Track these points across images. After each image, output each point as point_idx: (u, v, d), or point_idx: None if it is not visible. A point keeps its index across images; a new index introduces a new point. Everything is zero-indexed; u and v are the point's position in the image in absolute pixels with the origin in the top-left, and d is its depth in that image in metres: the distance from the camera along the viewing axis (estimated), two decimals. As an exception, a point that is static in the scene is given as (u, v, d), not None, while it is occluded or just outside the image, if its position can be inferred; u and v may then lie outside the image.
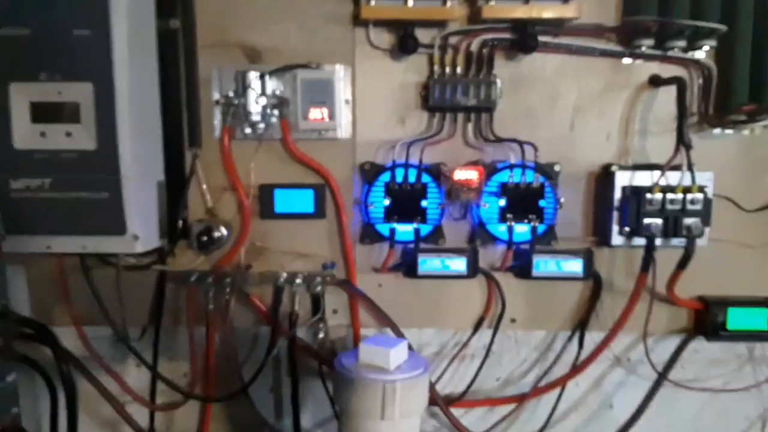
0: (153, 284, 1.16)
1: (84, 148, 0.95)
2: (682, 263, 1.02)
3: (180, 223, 1.10)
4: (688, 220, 1.00)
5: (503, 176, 1.07)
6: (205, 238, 1.08)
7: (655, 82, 1.06)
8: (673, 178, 1.02)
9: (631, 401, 1.17)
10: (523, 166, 1.06)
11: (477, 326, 1.16)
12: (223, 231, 1.10)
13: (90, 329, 1.18)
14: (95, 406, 1.23)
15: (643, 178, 1.03)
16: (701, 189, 1.01)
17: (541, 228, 1.08)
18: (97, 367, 1.19)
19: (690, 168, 1.00)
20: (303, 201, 1.11)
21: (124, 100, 0.94)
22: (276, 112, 1.07)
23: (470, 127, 1.09)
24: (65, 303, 1.16)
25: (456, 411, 1.16)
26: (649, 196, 1.00)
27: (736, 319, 1.09)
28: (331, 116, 1.07)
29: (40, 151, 0.96)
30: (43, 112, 0.95)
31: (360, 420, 0.96)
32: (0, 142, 0.96)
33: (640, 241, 1.04)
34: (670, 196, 1.00)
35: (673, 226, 1.01)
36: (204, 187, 1.11)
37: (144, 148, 1.01)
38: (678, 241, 1.03)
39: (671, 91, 1.04)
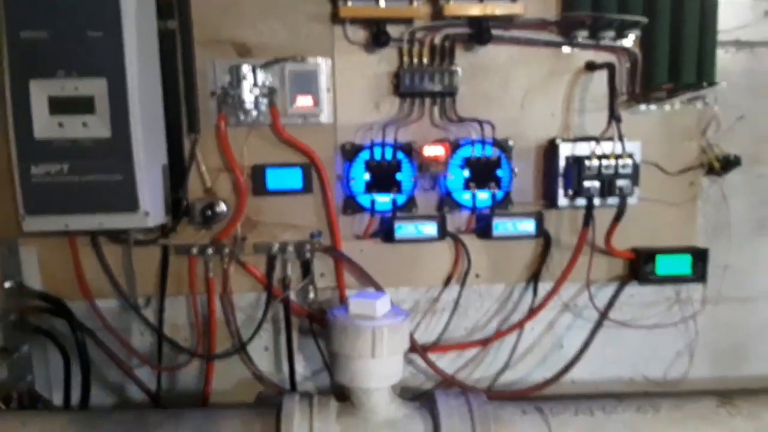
0: (157, 258, 1.28)
1: (99, 136, 1.08)
2: (617, 217, 1.22)
3: (182, 202, 1.24)
4: (620, 182, 1.20)
5: (466, 151, 1.24)
6: (209, 213, 1.22)
7: (591, 67, 1.25)
8: (607, 147, 1.21)
9: (578, 340, 1.37)
10: (483, 142, 1.23)
11: (446, 282, 1.33)
12: (223, 206, 1.24)
13: (97, 302, 1.30)
14: (105, 372, 1.35)
15: (582, 149, 1.22)
16: (630, 155, 1.20)
17: (499, 194, 1.25)
18: (107, 336, 1.32)
19: (620, 138, 1.19)
20: (292, 178, 1.26)
21: (134, 92, 1.07)
22: (266, 100, 1.21)
23: (436, 109, 1.26)
24: (77, 278, 1.27)
25: (430, 357, 1.34)
26: (587, 163, 1.19)
27: (664, 265, 1.29)
28: (316, 103, 1.22)
29: (58, 139, 1.08)
30: (61, 105, 1.07)
31: (353, 360, 1.12)
32: (21, 133, 1.07)
33: (581, 201, 1.23)
34: (604, 162, 1.19)
35: (608, 187, 1.20)
36: (203, 168, 1.25)
37: (151, 135, 1.14)
38: (612, 200, 1.22)
39: (604, 74, 1.23)
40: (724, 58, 1.29)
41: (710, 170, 1.30)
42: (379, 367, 1.13)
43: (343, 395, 1.21)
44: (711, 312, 1.37)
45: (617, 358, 1.39)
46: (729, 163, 1.28)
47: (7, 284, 1.24)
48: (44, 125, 1.07)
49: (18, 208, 1.10)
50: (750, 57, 1.32)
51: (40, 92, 1.06)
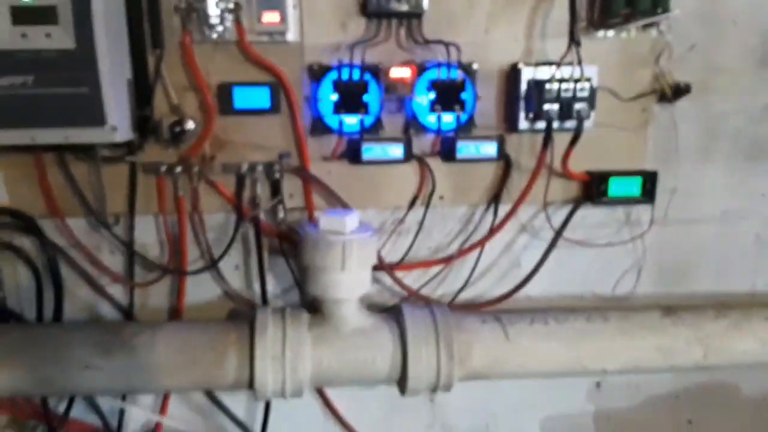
0: (125, 177, 1.29)
1: (63, 47, 1.06)
2: (574, 140, 1.27)
3: (148, 119, 1.23)
4: (578, 105, 1.25)
5: (432, 74, 1.27)
6: (177, 129, 1.22)
7: (553, -9, 1.28)
8: (566, 71, 1.26)
9: (534, 259, 1.43)
10: (448, 65, 1.26)
11: (411, 204, 1.38)
12: (192, 124, 1.25)
13: (66, 220, 1.31)
14: (76, 291, 1.37)
15: (543, 73, 1.26)
16: (588, 79, 1.25)
17: (463, 117, 1.29)
18: (77, 255, 1.33)
19: (579, 62, 1.24)
20: (260, 98, 1.27)
21: (98, 2, 1.05)
22: (232, 16, 1.21)
23: (402, 31, 1.27)
24: (44, 197, 1.27)
25: (397, 275, 1.40)
26: (548, 86, 1.24)
27: (616, 187, 1.37)
28: (282, 19, 1.21)
29: (21, 51, 1.06)
30: (23, 15, 1.05)
31: (324, 273, 1.18)
32: None
33: (541, 125, 1.28)
34: (564, 85, 1.24)
35: (566, 110, 1.25)
36: (168, 86, 1.24)
37: (115, 48, 1.13)
38: (570, 125, 1.27)
39: (565, 0, 1.27)
40: (679, -12, 1.34)
41: (662, 97, 1.36)
42: (349, 279, 1.19)
43: (313, 310, 1.27)
44: (658, 233, 1.46)
45: (570, 275, 1.48)
46: (679, 91, 1.35)
47: (-28, 201, 1.24)
48: (7, 36, 1.05)
49: (-20, 122, 1.09)
50: (705, -12, 1.37)
51: (2, 1, 1.03)
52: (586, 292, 1.50)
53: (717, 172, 1.46)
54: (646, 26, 1.31)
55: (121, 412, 1.44)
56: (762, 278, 1.54)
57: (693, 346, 1.28)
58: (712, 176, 1.46)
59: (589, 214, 1.44)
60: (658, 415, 1.63)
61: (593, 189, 1.37)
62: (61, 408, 1.40)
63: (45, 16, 1.04)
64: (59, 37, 1.06)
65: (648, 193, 1.38)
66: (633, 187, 1.38)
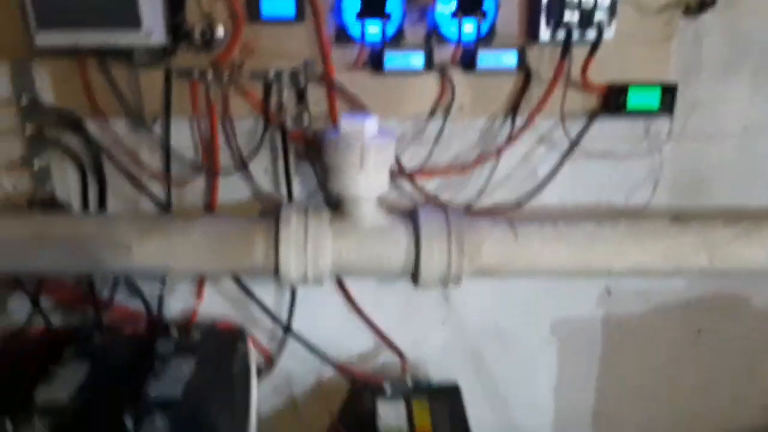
0: (161, 81, 1.37)
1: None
2: (593, 49, 1.29)
3: (181, 25, 1.30)
4: (599, 14, 1.26)
5: (455, -21, 1.28)
6: (208, 35, 1.29)
7: None
8: (591, -22, 1.26)
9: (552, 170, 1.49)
10: (471, -28, 1.27)
11: (431, 114, 1.43)
12: (222, 31, 1.31)
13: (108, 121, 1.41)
14: (118, 188, 1.48)
15: (566, -18, 1.26)
16: (610, -11, 1.25)
17: (484, 27, 1.31)
18: (118, 153, 1.44)
19: (602, -32, 1.24)
20: (286, 6, 1.30)
21: None
22: None
23: (426, -62, 1.28)
24: (87, 97, 1.37)
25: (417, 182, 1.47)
26: (569, -4, 1.25)
27: (635, 98, 1.38)
28: (307, -75, 1.24)
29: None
30: None
31: (344, 173, 1.26)
32: None
33: (562, 36, 1.29)
34: (585, -6, 1.25)
35: (587, 19, 1.26)
36: (200, -8, 1.30)
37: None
38: (591, 36, 1.29)
39: None
40: None
41: (687, 10, 1.35)
42: (367, 178, 1.26)
43: (335, 209, 1.36)
44: (676, 146, 1.48)
45: (587, 187, 1.52)
46: (704, 4, 1.33)
47: (23, 99, 1.34)
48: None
49: (29, 24, 1.17)
50: None
51: None
52: (602, 203, 1.54)
53: (741, 87, 1.45)
54: (673, -67, 1.29)
55: (161, 299, 1.58)
56: (781, 196, 1.56)
57: (699, 252, 1.33)
58: (735, 91, 1.46)
59: (608, 126, 1.46)
60: (667, 323, 1.70)
61: (612, 100, 1.39)
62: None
63: None
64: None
65: (667, 106, 1.39)
66: (652, 99, 1.39)
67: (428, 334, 1.69)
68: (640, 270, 1.35)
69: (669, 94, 1.39)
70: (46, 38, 1.18)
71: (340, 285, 1.61)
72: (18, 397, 1.24)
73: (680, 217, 1.38)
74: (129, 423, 1.17)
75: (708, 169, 1.53)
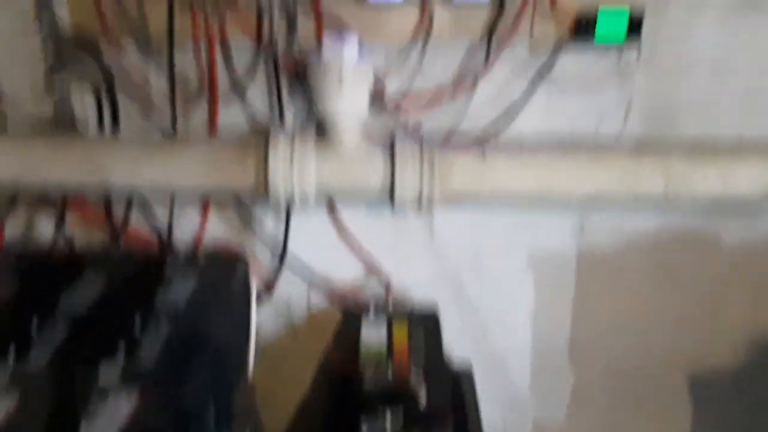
0: (164, 9, 1.49)
1: None
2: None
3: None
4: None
5: None
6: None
7: None
8: None
9: (527, 98, 1.58)
10: None
11: (413, 42, 1.53)
12: (217, -41, 1.44)
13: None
14: (128, 111, 1.63)
15: None
16: None
17: (463, -44, 1.41)
18: (130, 78, 1.59)
19: None
20: (277, -62, 1.43)
21: None
22: None
23: None
24: (99, 22, 1.51)
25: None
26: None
27: (603, 26, 1.45)
28: None
29: None
30: None
31: (325, 94, 1.37)
32: None
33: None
34: None
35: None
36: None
37: None
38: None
39: None
40: None
41: (657, -61, 1.42)
42: (346, 99, 1.38)
43: (322, 135, 1.47)
44: (646, 78, 1.55)
45: (559, 116, 1.60)
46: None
47: (44, 29, 1.49)
48: None
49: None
50: None
51: None
52: (575, 133, 1.63)
53: (708, 21, 1.51)
54: None
55: (170, 224, 1.72)
56: (749, 128, 1.61)
57: (656, 177, 1.41)
58: (703, 25, 1.52)
59: (581, 57, 1.54)
60: (638, 258, 1.78)
61: (581, 29, 1.46)
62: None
63: None
64: None
65: (635, 31, 1.46)
66: (620, 26, 1.45)
67: (412, 263, 1.81)
68: (599, 196, 1.44)
69: (636, 21, 1.45)
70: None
71: (332, 215, 1.73)
72: (43, 304, 1.41)
73: (641, 145, 1.46)
74: (137, 325, 1.33)
75: (679, 101, 1.60)
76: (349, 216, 1.75)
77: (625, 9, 1.44)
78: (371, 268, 1.80)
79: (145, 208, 1.71)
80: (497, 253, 1.79)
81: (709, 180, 1.42)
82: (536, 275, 1.83)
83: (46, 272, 1.62)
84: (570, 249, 1.79)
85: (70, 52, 1.54)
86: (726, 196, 1.44)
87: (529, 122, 1.60)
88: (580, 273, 1.81)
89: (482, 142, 1.57)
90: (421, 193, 1.41)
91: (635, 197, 1.45)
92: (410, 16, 1.51)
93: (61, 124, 1.62)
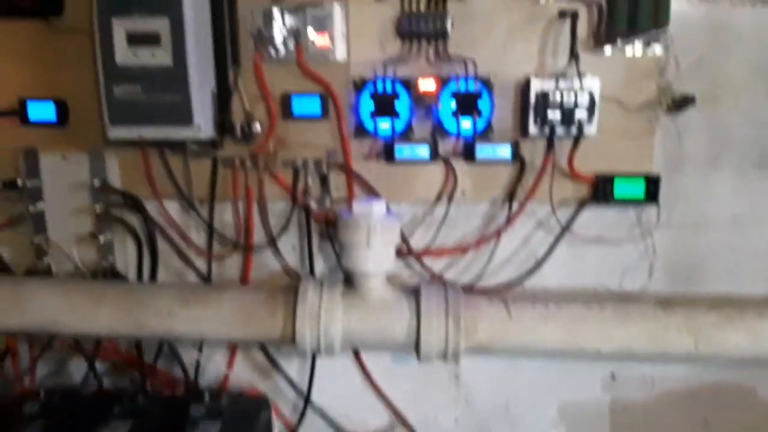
0: (209, 168, 1.62)
1: (164, 64, 1.40)
2: (575, 143, 1.46)
3: (227, 122, 1.56)
4: (579, 113, 1.44)
5: (454, 85, 1.50)
6: (247, 130, 1.55)
7: (562, 14, 1.46)
8: (572, 84, 1.45)
9: (549, 253, 1.62)
10: (466, 78, 1.49)
11: (438, 198, 1.60)
12: (258, 127, 1.57)
13: (164, 202, 1.66)
14: (167, 260, 1.71)
15: (549, 85, 1.46)
16: (588, 90, 1.43)
17: (481, 123, 1.51)
18: (171, 231, 1.68)
19: (579, 75, 1.43)
20: (313, 105, 1.55)
21: (190, 30, 1.38)
22: (293, 40, 1.52)
23: (431, 50, 1.51)
24: (147, 181, 1.63)
25: (425, 261, 1.63)
26: (551, 96, 1.44)
27: (621, 188, 1.52)
28: (332, 42, 1.51)
29: (133, 66, 1.41)
30: (135, 39, 1.40)
31: (353, 250, 1.42)
32: (106, 60, 1.40)
33: (547, 130, 1.47)
34: (565, 95, 1.43)
35: (568, 117, 1.44)
36: (243, 95, 1.56)
37: (203, 65, 1.45)
38: (574, 130, 1.46)
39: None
40: (687, 8, 1.49)
41: (668, 108, 1.51)
42: (373, 255, 1.42)
43: (348, 283, 1.52)
44: (667, 234, 1.58)
45: (583, 270, 1.63)
46: (685, 102, 1.48)
47: (95, 182, 1.62)
48: (123, 54, 1.40)
49: (104, 119, 1.46)
50: (712, 7, 1.50)
51: (120, 28, 1.38)
52: (599, 287, 1.64)
53: (726, 178, 1.56)
54: (649, 42, 1.47)
55: (198, 364, 1.75)
56: (775, 283, 1.61)
57: (683, 335, 1.39)
58: (721, 182, 1.57)
59: (602, 213, 1.59)
60: (673, 411, 1.71)
61: (600, 189, 1.53)
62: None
63: (151, 39, 1.39)
64: (161, 56, 1.40)
65: (652, 196, 1.52)
66: (637, 189, 1.52)
67: (439, 412, 1.78)
68: (627, 352, 1.42)
69: (653, 184, 1.51)
70: (117, 132, 1.46)
71: (358, 360, 1.74)
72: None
73: (666, 301, 1.45)
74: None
75: (702, 257, 1.61)
76: (374, 361, 1.74)
77: (641, 178, 1.50)
78: (396, 417, 1.76)
79: (174, 349, 1.73)
80: (527, 402, 1.75)
81: (739, 338, 1.40)
82: (568, 427, 1.76)
83: (75, 411, 1.65)
84: (602, 399, 1.73)
85: (117, 204, 1.65)
86: (757, 355, 1.40)
87: (553, 275, 1.63)
88: (613, 426, 1.74)
89: (506, 295, 1.58)
90: (446, 345, 1.41)
91: (664, 354, 1.42)
92: (435, 173, 1.59)
93: (103, 272, 1.70)
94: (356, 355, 1.75)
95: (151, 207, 1.66)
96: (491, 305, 1.47)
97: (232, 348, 1.76)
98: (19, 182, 1.63)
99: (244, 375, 1.78)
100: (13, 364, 1.78)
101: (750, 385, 1.68)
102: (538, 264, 1.60)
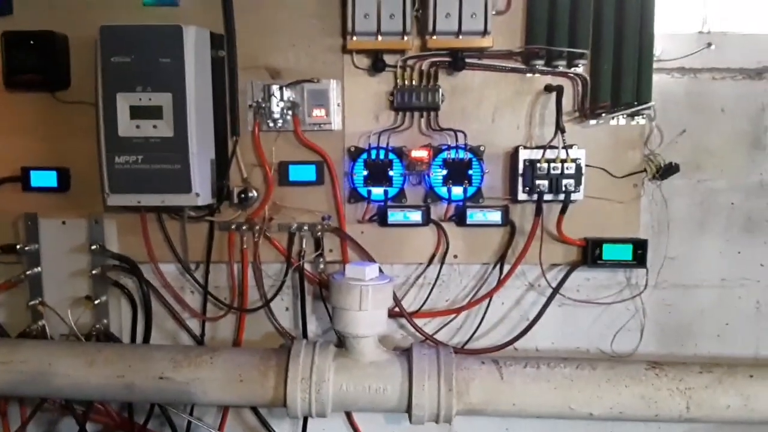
0: (205, 232, 1.65)
1: (165, 135, 1.44)
2: (562, 210, 1.50)
3: (225, 188, 1.60)
4: (566, 181, 1.49)
5: (445, 154, 1.55)
6: (243, 196, 1.58)
7: (548, 88, 1.53)
8: (559, 154, 1.50)
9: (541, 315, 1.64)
10: (457, 147, 1.54)
11: (430, 261, 1.64)
12: (254, 192, 1.61)
13: (160, 265, 1.68)
14: (162, 321, 1.72)
15: (537, 154, 1.51)
16: (574, 160, 1.49)
17: (471, 190, 1.55)
18: (166, 292, 1.70)
19: (564, 145, 1.48)
20: (309, 173, 1.60)
21: (191, 104, 1.43)
22: (290, 112, 1.57)
23: (423, 121, 1.58)
24: (145, 245, 1.66)
25: (417, 322, 1.65)
26: (538, 165, 1.49)
27: (609, 252, 1.56)
28: (327, 114, 1.57)
29: (135, 137, 1.45)
30: (138, 112, 1.45)
31: (346, 312, 1.44)
32: (109, 132, 1.45)
33: (535, 197, 1.52)
34: (552, 165, 1.48)
35: (555, 185, 1.49)
36: (241, 163, 1.61)
37: (203, 136, 1.50)
38: (561, 197, 1.51)
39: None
40: (670, 82, 1.57)
41: (653, 176, 1.56)
42: (366, 318, 1.44)
43: (340, 345, 1.54)
44: (657, 296, 1.63)
45: (575, 331, 1.66)
46: (669, 170, 1.54)
47: (93, 247, 1.64)
48: (126, 127, 1.45)
49: (104, 188, 1.49)
50: (693, 81, 1.58)
51: (123, 102, 1.44)
52: (591, 348, 1.66)
53: (714, 242, 1.62)
54: (633, 114, 1.54)
55: (188, 426, 1.74)
56: (764, 344, 1.64)
57: (675, 397, 1.41)
58: (709, 246, 1.62)
59: (592, 276, 1.63)
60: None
61: (590, 253, 1.57)
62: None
63: (153, 113, 1.44)
64: (162, 128, 1.45)
65: (640, 259, 1.56)
66: (625, 252, 1.56)
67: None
68: (619, 414, 1.43)
69: (640, 248, 1.55)
70: (116, 200, 1.49)
71: (350, 421, 1.74)
72: None
73: (657, 362, 1.47)
74: None
75: (691, 318, 1.65)
76: (366, 421, 1.74)
77: (628, 246, 1.55)
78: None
79: (165, 411, 1.73)
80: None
81: (731, 402, 1.41)
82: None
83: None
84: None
85: (113, 267, 1.67)
86: (749, 417, 1.42)
87: (545, 337, 1.66)
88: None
89: (498, 356, 1.60)
90: (438, 407, 1.42)
91: (656, 416, 1.44)
92: (428, 237, 1.63)
93: (97, 334, 1.70)
94: (348, 416, 1.75)
95: (146, 270, 1.68)
96: (483, 366, 1.48)
97: (224, 409, 1.75)
98: (18, 246, 1.64)
99: (235, 435, 1.77)
100: (4, 426, 1.76)
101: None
102: (530, 325, 1.62)
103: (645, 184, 1.59)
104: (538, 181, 1.49)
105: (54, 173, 1.62)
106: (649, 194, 1.60)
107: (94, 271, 1.64)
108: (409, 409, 1.43)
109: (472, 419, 1.67)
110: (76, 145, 1.62)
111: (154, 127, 1.45)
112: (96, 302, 1.67)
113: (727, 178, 1.60)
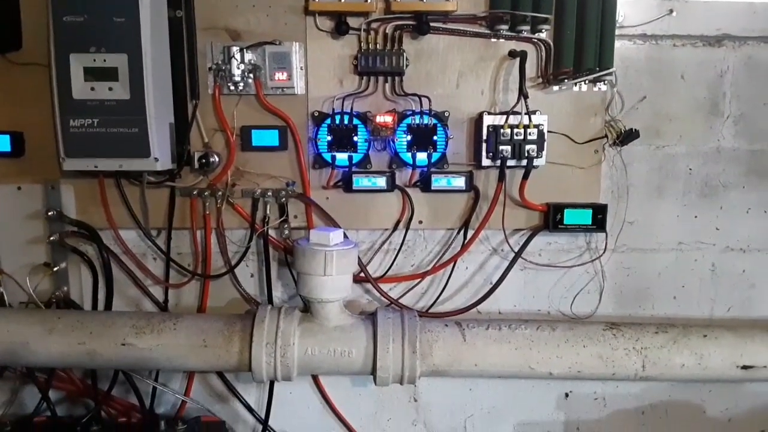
0: (166, 198, 1.62)
1: (121, 98, 1.40)
2: (525, 176, 1.52)
3: (185, 153, 1.57)
4: (528, 147, 1.50)
5: (409, 120, 1.55)
6: (203, 161, 1.55)
7: (512, 54, 1.53)
8: (522, 119, 1.51)
9: (504, 278, 1.67)
10: (422, 113, 1.53)
11: (395, 227, 1.64)
12: (216, 157, 1.58)
13: (120, 231, 1.65)
14: (124, 289, 1.70)
15: (500, 120, 1.52)
16: (537, 126, 1.50)
17: (435, 156, 1.55)
18: (127, 259, 1.68)
19: (527, 111, 1.49)
20: (272, 138, 1.58)
21: (148, 65, 1.39)
22: (251, 75, 1.54)
23: (387, 86, 1.56)
24: (104, 211, 1.62)
25: (383, 287, 1.66)
26: (502, 131, 1.49)
27: (570, 217, 1.58)
28: (290, 78, 1.54)
29: (90, 100, 1.41)
30: (92, 74, 1.40)
31: (311, 277, 1.45)
32: (63, 94, 1.40)
33: (498, 162, 1.53)
34: (515, 130, 1.49)
35: (518, 151, 1.50)
36: (202, 128, 1.58)
37: (160, 99, 1.46)
38: (524, 162, 1.52)
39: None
40: (631, 48, 1.59)
41: (614, 141, 1.59)
42: (330, 283, 1.45)
43: (306, 310, 1.54)
44: (616, 259, 1.67)
45: (537, 294, 1.70)
46: (629, 136, 1.56)
47: (50, 213, 1.60)
48: (80, 89, 1.40)
49: (59, 152, 1.45)
50: (654, 47, 1.60)
51: (77, 63, 1.39)
52: (552, 310, 1.70)
53: (671, 206, 1.66)
54: (595, 80, 1.55)
55: (154, 392, 1.73)
56: (719, 305, 1.70)
57: (632, 356, 1.46)
58: (666, 210, 1.66)
59: (554, 239, 1.66)
60: (624, 429, 1.78)
61: (551, 218, 1.59)
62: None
63: (108, 74, 1.39)
64: (118, 91, 1.40)
65: (600, 223, 1.59)
66: (585, 217, 1.58)
67: (398, 432, 1.80)
68: (578, 373, 1.48)
69: (600, 212, 1.58)
70: (72, 164, 1.45)
71: (317, 384, 1.76)
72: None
73: (615, 324, 1.52)
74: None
75: (649, 281, 1.70)
76: (333, 384, 1.76)
77: (588, 211, 1.57)
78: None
79: (129, 377, 1.72)
80: (484, 422, 1.79)
81: (685, 361, 1.47)
82: (525, 446, 1.81)
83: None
84: (557, 418, 1.79)
85: (71, 234, 1.64)
86: (702, 375, 1.48)
87: (507, 300, 1.69)
88: (568, 444, 1.80)
89: (462, 319, 1.62)
90: (403, 369, 1.44)
91: (613, 375, 1.48)
92: (393, 203, 1.63)
93: (57, 301, 1.67)
94: (315, 379, 1.76)
95: (107, 237, 1.65)
96: (446, 328, 1.51)
97: (190, 374, 1.75)
98: (-28, 214, 1.60)
99: (201, 401, 1.77)
100: (-36, 395, 1.74)
101: (698, 404, 1.75)
102: (493, 289, 1.65)
103: (606, 150, 1.61)
104: (501, 147, 1.50)
105: (7, 137, 1.56)
106: (610, 160, 1.62)
107: (51, 238, 1.60)
108: (374, 372, 1.45)
109: (436, 380, 1.72)
110: (30, 109, 1.56)
111: (110, 89, 1.41)
112: (55, 269, 1.64)
113: (686, 144, 1.63)
